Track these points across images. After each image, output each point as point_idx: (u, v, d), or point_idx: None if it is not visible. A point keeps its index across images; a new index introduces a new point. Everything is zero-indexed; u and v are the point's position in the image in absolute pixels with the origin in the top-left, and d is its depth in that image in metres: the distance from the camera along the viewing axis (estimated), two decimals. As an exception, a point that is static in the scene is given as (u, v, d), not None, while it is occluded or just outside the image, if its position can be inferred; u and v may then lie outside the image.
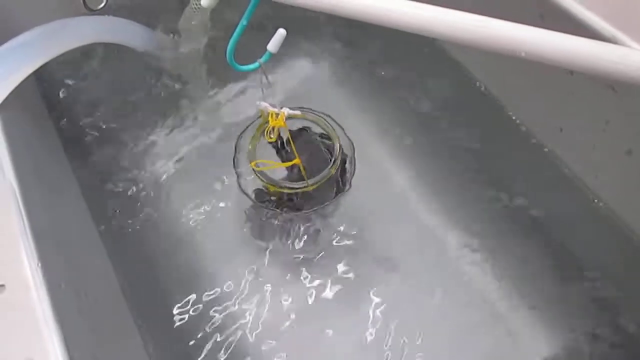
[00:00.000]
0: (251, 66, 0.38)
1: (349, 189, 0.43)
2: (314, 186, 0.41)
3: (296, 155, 0.41)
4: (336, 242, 0.47)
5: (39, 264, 0.30)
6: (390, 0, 0.28)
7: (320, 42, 0.59)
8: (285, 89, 0.56)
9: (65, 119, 0.54)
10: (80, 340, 0.32)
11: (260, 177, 0.41)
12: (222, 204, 0.49)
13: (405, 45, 0.56)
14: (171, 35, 0.56)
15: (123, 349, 0.40)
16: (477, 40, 0.27)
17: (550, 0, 0.38)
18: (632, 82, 0.24)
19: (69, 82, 0.57)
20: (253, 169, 0.41)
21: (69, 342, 0.28)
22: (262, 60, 0.38)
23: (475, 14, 0.27)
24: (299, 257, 0.46)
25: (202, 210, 0.49)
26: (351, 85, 0.56)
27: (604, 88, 0.38)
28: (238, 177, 0.43)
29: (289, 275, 0.45)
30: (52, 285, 0.30)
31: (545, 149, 0.48)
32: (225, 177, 0.50)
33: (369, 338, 0.42)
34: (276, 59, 0.56)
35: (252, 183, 0.44)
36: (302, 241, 0.47)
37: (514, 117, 0.50)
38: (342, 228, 0.47)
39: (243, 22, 0.35)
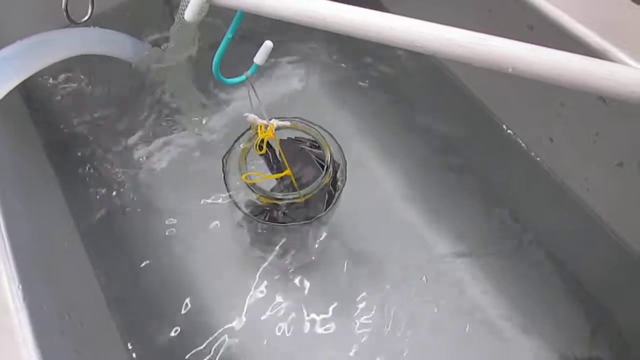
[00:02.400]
0: (238, 79, 0.37)
1: (339, 196, 0.42)
2: (307, 196, 0.41)
3: (287, 166, 0.40)
4: (329, 252, 0.46)
5: (20, 286, 0.30)
6: (376, 15, 0.28)
7: (311, 52, 0.59)
8: (274, 99, 0.55)
9: (51, 131, 0.53)
10: (62, 363, 0.31)
11: (252, 189, 0.41)
12: (212, 217, 0.48)
13: (397, 57, 0.56)
14: (159, 45, 0.55)
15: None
16: (464, 55, 0.26)
17: (540, 11, 0.38)
18: (621, 98, 0.24)
19: (55, 91, 0.56)
20: (245, 182, 0.41)
21: (50, 365, 0.28)
22: (249, 72, 0.37)
23: (461, 29, 0.26)
24: (292, 268, 0.46)
25: (193, 224, 0.48)
26: (342, 95, 0.56)
27: (594, 100, 0.38)
28: (229, 189, 0.43)
29: (281, 285, 0.45)
30: (33, 307, 0.30)
31: (537, 159, 0.48)
32: (215, 189, 0.49)
33: (361, 345, 0.42)
34: (266, 69, 0.57)
35: (243, 195, 0.43)
36: (295, 252, 0.46)
37: (505, 127, 0.50)
38: (334, 237, 0.47)
39: (228, 35, 0.34)
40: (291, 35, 0.59)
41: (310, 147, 0.45)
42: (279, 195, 0.41)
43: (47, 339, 0.29)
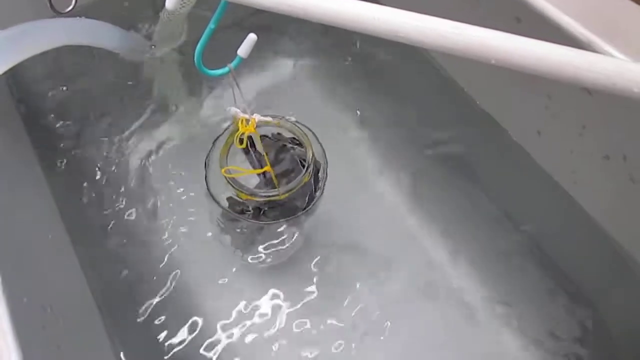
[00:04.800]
0: (221, 71, 0.37)
1: (321, 196, 0.42)
2: (287, 194, 0.40)
3: (267, 162, 0.40)
4: (310, 250, 0.46)
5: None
6: (358, 5, 0.28)
7: (298, 45, 0.58)
8: (259, 93, 0.55)
9: (36, 122, 0.53)
10: (44, 356, 0.31)
11: (232, 184, 0.41)
12: (194, 212, 0.48)
13: (387, 50, 0.55)
14: (148, 37, 0.55)
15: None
16: (447, 46, 0.26)
17: (527, 3, 0.37)
18: (603, 89, 0.24)
19: (42, 82, 0.55)
20: (224, 176, 0.40)
21: (30, 358, 0.28)
22: (232, 65, 0.37)
23: (445, 19, 0.26)
24: (272, 266, 0.45)
25: (176, 219, 0.48)
26: (332, 89, 0.55)
27: (580, 91, 0.38)
28: (209, 184, 0.43)
29: (261, 284, 0.44)
30: (13, 299, 0.29)
31: (525, 152, 0.48)
32: (197, 184, 0.49)
33: (346, 339, 0.42)
34: (252, 63, 0.56)
35: (224, 190, 0.43)
36: (276, 249, 0.46)
37: (494, 120, 0.50)
38: (316, 235, 0.46)
39: (211, 26, 0.34)
40: (283, 27, 0.58)
41: (293, 144, 0.44)
42: (259, 192, 0.40)
43: (27, 332, 0.29)
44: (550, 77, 0.24)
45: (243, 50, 0.36)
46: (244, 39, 0.35)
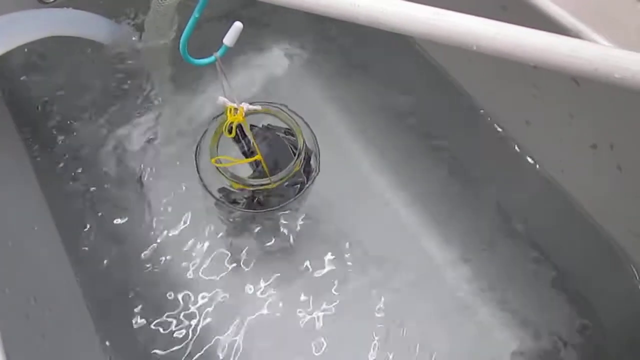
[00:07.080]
0: (207, 60, 0.36)
1: (311, 185, 0.42)
2: (278, 183, 0.40)
3: (257, 151, 0.39)
4: (302, 238, 0.46)
5: (-20, 269, 0.29)
6: (340, -9, 0.27)
7: (290, 35, 0.58)
8: (255, 88, 0.54)
9: (24, 113, 0.52)
10: (26, 347, 0.31)
11: (223, 173, 0.40)
12: (187, 203, 0.48)
13: (377, 39, 0.55)
14: (137, 28, 0.54)
15: (80, 354, 0.39)
16: (428, 32, 0.26)
17: (514, -10, 0.37)
18: (584, 75, 0.24)
19: (29, 76, 0.55)
20: (215, 166, 0.40)
21: (11, 349, 0.27)
22: (218, 54, 0.36)
23: (425, 6, 0.26)
24: (264, 255, 0.45)
25: (167, 209, 0.48)
26: (321, 80, 0.55)
27: (567, 81, 0.38)
28: (200, 174, 0.42)
29: (255, 273, 0.45)
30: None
31: (513, 142, 0.48)
32: (189, 174, 0.49)
33: (344, 329, 0.42)
34: (244, 52, 0.56)
35: (216, 180, 0.43)
36: (267, 238, 0.46)
37: (482, 111, 0.50)
38: (308, 223, 0.47)
39: (195, 15, 0.33)
40: (277, 18, 0.58)
41: (285, 134, 0.44)
42: (250, 181, 0.40)
43: (8, 322, 0.29)
44: (532, 62, 0.24)
45: (229, 38, 0.35)
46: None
